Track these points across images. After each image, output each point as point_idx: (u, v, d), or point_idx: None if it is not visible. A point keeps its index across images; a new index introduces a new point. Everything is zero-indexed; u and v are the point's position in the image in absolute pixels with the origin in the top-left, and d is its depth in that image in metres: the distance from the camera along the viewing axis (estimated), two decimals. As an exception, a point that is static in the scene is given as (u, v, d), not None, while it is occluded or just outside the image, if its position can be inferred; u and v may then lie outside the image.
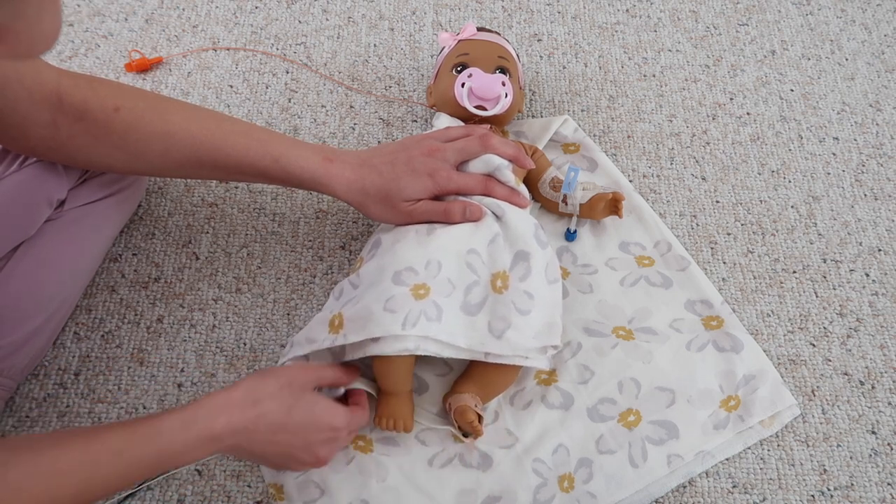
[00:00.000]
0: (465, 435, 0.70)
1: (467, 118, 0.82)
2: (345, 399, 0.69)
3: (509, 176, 0.75)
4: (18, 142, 0.66)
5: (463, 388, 0.70)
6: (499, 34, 0.89)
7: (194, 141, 0.69)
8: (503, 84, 0.80)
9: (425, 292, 0.66)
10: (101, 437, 0.54)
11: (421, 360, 0.73)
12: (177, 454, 0.56)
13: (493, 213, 0.73)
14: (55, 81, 0.64)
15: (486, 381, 0.70)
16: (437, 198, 0.73)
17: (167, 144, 0.68)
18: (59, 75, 0.64)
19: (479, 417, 0.68)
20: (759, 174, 0.90)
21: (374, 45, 0.99)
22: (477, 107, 0.81)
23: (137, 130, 0.67)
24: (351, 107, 0.94)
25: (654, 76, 0.98)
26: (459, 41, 0.86)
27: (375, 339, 0.65)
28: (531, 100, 0.95)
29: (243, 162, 0.70)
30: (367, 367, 0.74)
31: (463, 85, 0.80)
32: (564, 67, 0.98)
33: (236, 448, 0.60)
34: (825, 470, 0.73)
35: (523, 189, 0.77)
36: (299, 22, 1.01)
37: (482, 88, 0.80)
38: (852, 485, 0.72)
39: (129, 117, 0.67)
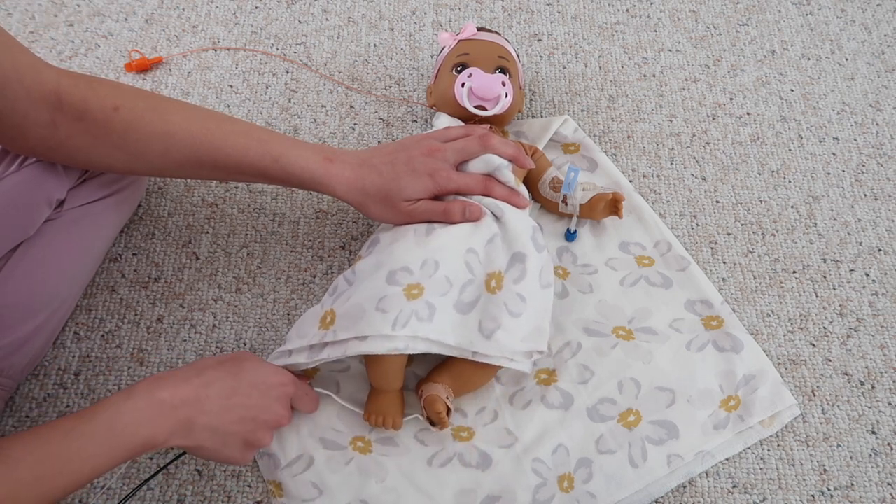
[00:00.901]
0: (433, 424, 0.70)
1: (467, 118, 0.82)
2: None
3: (509, 176, 0.75)
4: (17, 142, 0.66)
5: (437, 379, 0.70)
6: (499, 34, 0.89)
7: (194, 141, 0.68)
8: (503, 84, 0.80)
9: (419, 292, 0.66)
10: (48, 424, 0.54)
11: (418, 357, 0.73)
12: (127, 426, 0.55)
13: (492, 213, 0.73)
14: (54, 81, 0.64)
15: (463, 376, 0.70)
16: (437, 197, 0.73)
17: (167, 144, 0.68)
18: (58, 75, 0.64)
19: (448, 410, 0.69)
20: (759, 174, 0.90)
21: (374, 45, 0.99)
22: (477, 107, 0.81)
23: (137, 130, 0.67)
24: (351, 107, 0.94)
25: (654, 76, 0.98)
26: (459, 41, 0.86)
27: (363, 339, 0.65)
28: (531, 100, 0.95)
29: (243, 162, 0.70)
30: (360, 364, 0.74)
31: (463, 85, 0.80)
32: (564, 67, 0.98)
33: (190, 422, 0.58)
34: (825, 470, 0.73)
35: (523, 189, 0.77)
36: (299, 22, 1.01)
37: (482, 88, 0.80)
38: (852, 485, 0.72)
39: (128, 117, 0.67)
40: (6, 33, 0.61)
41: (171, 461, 0.69)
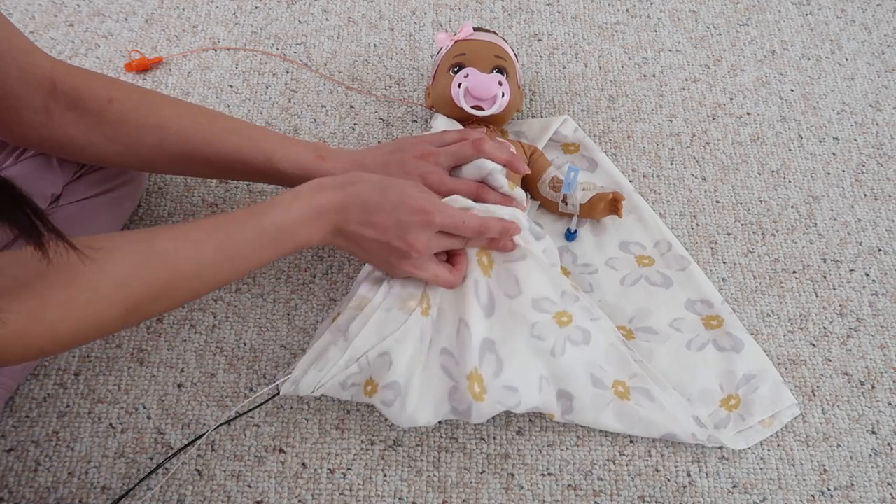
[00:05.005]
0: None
1: (465, 118, 0.82)
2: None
3: (502, 181, 0.75)
4: (11, 128, 0.66)
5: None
6: (496, 33, 0.89)
7: (186, 136, 0.69)
8: (500, 84, 0.80)
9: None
10: (225, 214, 0.61)
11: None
12: (291, 225, 0.61)
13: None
14: (49, 67, 0.64)
15: None
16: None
17: (159, 137, 0.68)
18: (52, 62, 0.65)
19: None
20: (759, 174, 0.90)
21: (374, 45, 0.99)
22: (474, 107, 0.81)
23: (130, 122, 0.67)
24: (351, 107, 0.94)
25: (654, 76, 0.98)
26: (456, 41, 0.86)
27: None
28: (531, 100, 0.95)
29: (235, 159, 0.70)
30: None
31: (459, 85, 0.80)
32: (564, 67, 0.98)
33: (340, 228, 0.63)
34: (825, 470, 0.73)
35: (518, 193, 0.77)
36: (299, 22, 1.01)
37: (478, 88, 0.80)
38: (852, 485, 0.72)
39: (121, 108, 0.67)
40: (1, 14, 0.61)
41: (167, 458, 0.69)
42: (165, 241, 0.58)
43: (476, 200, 0.73)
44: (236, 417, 0.69)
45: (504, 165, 0.75)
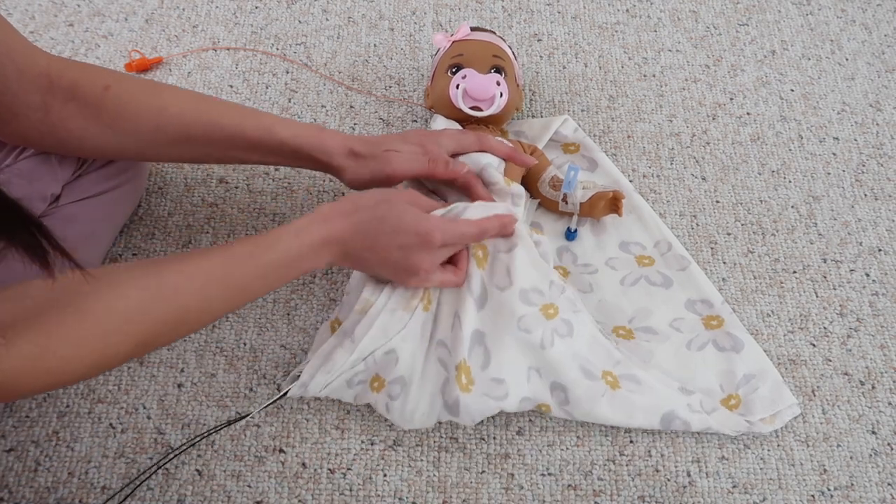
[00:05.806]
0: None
1: (464, 119, 0.83)
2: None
3: (497, 177, 0.75)
4: (10, 126, 0.66)
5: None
6: (493, 33, 0.88)
7: (186, 117, 0.69)
8: (498, 84, 0.81)
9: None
10: (233, 245, 0.62)
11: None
12: (296, 259, 0.63)
13: None
14: (45, 64, 0.64)
15: None
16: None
17: (159, 121, 0.68)
18: (49, 58, 0.65)
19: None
20: (759, 174, 0.90)
21: (374, 45, 0.99)
22: (472, 108, 0.81)
23: (128, 108, 0.67)
24: (351, 107, 0.94)
25: (654, 76, 0.98)
26: (454, 42, 0.86)
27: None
28: (531, 100, 0.95)
29: (237, 135, 0.70)
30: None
31: (458, 86, 0.80)
32: (564, 67, 0.98)
33: (346, 256, 0.65)
34: (825, 470, 0.73)
35: (516, 189, 0.77)
36: (299, 22, 1.01)
37: (476, 89, 0.80)
38: (852, 485, 0.72)
39: (119, 94, 0.67)
40: (0, 16, 0.61)
41: (165, 461, 0.69)
42: (174, 275, 0.58)
43: (465, 187, 0.74)
44: (240, 419, 0.70)
45: (507, 159, 0.75)
